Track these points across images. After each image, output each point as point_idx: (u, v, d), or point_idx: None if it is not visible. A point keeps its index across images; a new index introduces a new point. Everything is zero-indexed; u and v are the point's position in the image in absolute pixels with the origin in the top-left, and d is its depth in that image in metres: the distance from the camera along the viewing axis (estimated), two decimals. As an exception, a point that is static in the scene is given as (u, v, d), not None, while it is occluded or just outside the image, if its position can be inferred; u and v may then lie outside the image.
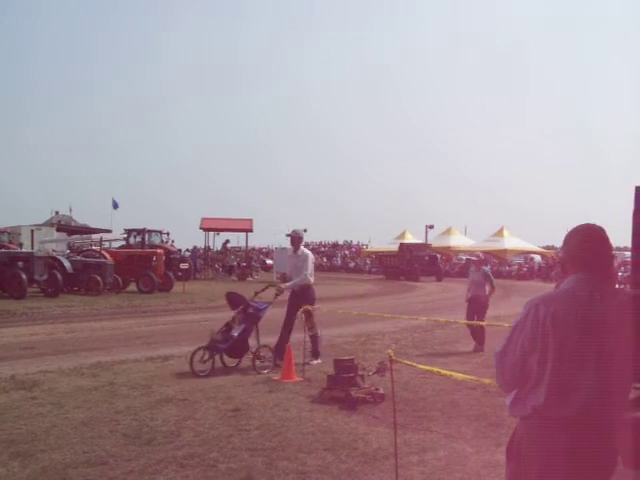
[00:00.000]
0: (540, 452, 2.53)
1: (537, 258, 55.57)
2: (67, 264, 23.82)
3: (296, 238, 10.82)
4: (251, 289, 11.26)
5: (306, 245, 61.51)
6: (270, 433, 6.37)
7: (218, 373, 9.26)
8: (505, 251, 54.58)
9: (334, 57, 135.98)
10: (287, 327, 10.46)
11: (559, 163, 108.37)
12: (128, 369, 9.69)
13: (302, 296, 10.44)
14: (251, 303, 9.91)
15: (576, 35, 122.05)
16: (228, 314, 10.08)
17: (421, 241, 51.88)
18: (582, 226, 2.78)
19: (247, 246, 50.58)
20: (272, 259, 48.20)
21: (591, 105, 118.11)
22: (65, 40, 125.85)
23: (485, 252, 56.49)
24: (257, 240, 71.66)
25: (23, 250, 26.60)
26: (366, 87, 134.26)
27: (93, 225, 47.03)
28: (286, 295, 10.78)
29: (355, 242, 76.71)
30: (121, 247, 32.66)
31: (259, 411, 7.25)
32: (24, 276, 21.14)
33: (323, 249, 72.27)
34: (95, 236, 39.42)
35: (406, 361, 5.97)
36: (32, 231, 33.66)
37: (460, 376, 5.98)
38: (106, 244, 33.68)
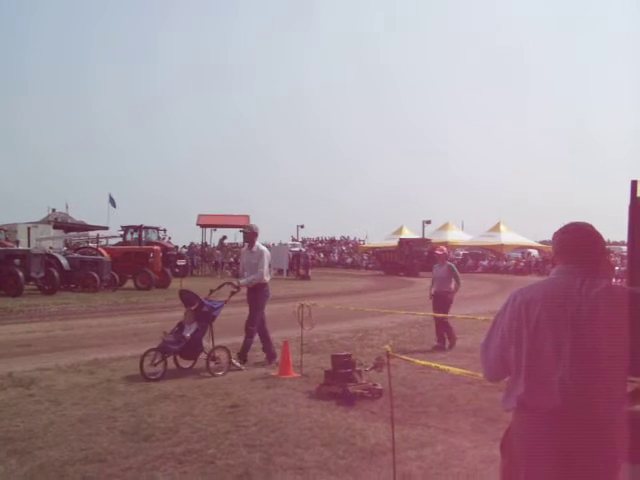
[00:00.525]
0: (527, 445, 2.53)
1: (534, 253, 55.72)
2: (64, 261, 23.79)
3: (250, 234, 10.37)
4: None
5: (303, 241, 61.52)
6: (268, 429, 6.37)
7: (171, 376, 8.80)
8: (502, 246, 54.72)
9: (332, 55, 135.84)
10: (258, 324, 10.11)
11: (556, 158, 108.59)
12: (125, 366, 9.68)
13: (256, 294, 10.07)
14: (205, 302, 9.45)
15: (576, 35, 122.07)
16: (228, 310, 10.07)
17: (418, 236, 51.79)
18: (567, 224, 2.81)
19: (244, 242, 50.53)
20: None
21: (588, 100, 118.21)
22: (61, 39, 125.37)
23: (482, 247, 56.87)
24: (254, 236, 71.58)
25: (20, 247, 26.54)
26: (363, 84, 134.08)
27: (90, 222, 46.93)
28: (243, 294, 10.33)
29: (352, 238, 76.79)
30: (118, 244, 32.63)
31: (257, 407, 7.25)
32: (21, 274, 21.12)
33: (320, 245, 72.29)
34: (92, 233, 39.27)
35: (403, 356, 5.97)
36: (29, 228, 33.58)
37: (457, 371, 5.98)
38: (103, 241, 33.60)
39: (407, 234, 56.35)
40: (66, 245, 36.96)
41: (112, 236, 35.52)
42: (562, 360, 2.49)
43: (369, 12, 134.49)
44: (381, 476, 5.10)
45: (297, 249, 50.26)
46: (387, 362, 5.22)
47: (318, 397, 7.74)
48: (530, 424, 2.53)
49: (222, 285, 10.28)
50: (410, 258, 43.52)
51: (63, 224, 46.04)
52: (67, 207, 56.52)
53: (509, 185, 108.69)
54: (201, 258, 44.55)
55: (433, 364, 6.14)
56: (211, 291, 10.10)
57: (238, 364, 9.55)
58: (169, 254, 31.23)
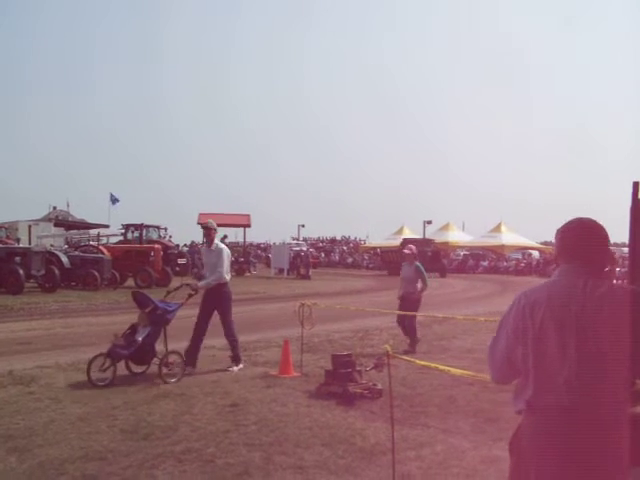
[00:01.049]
0: (536, 446, 2.53)
1: (535, 254, 55.68)
2: (65, 259, 23.80)
3: (210, 230, 9.74)
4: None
5: (304, 240, 61.46)
6: (267, 428, 6.37)
7: (122, 382, 8.30)
8: (503, 247, 54.71)
9: (332, 55, 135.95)
10: (198, 331, 9.47)
11: (557, 159, 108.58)
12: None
13: (216, 296, 9.56)
14: (159, 304, 8.93)
15: (576, 35, 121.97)
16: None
17: (419, 236, 51.70)
18: (570, 220, 2.76)
19: (245, 241, 50.60)
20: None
21: (588, 101, 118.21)
22: (65, 37, 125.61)
23: (483, 247, 56.86)
24: (255, 235, 71.72)
25: (20, 245, 26.57)
26: (364, 84, 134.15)
27: (91, 220, 47.01)
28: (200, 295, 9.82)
29: (353, 238, 76.80)
30: (119, 242, 32.61)
31: (256, 406, 7.25)
32: (21, 271, 21.13)
33: (321, 244, 72.29)
34: (93, 231, 39.36)
35: (404, 357, 5.98)
36: (29, 226, 33.63)
37: (457, 372, 5.99)
38: (104, 239, 33.60)
39: (408, 234, 56.28)
40: (67, 243, 36.95)
41: (113, 234, 35.51)
42: (568, 361, 2.48)
43: (369, 12, 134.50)
44: (381, 476, 5.10)
45: (301, 248, 50.23)
46: (387, 362, 5.22)
47: (318, 397, 7.74)
48: (539, 425, 2.53)
49: (180, 286, 9.77)
50: None
51: (64, 222, 46.14)
52: (68, 205, 56.69)
53: (510, 186, 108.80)
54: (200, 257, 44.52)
55: (433, 364, 6.15)
56: (168, 292, 9.66)
57: (236, 368, 9.36)
58: (170, 253, 31.24)
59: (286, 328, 12.91)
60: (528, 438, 2.57)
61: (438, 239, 54.38)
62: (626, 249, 37.00)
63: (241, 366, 9.48)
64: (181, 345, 9.58)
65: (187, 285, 9.88)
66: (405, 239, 47.98)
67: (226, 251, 9.72)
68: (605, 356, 2.46)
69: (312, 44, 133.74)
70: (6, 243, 27.10)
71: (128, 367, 8.74)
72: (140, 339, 8.53)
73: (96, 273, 23.69)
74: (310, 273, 38.49)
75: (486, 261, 54.93)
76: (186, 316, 9.96)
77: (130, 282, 26.54)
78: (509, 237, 56.22)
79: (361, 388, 7.72)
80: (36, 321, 15.17)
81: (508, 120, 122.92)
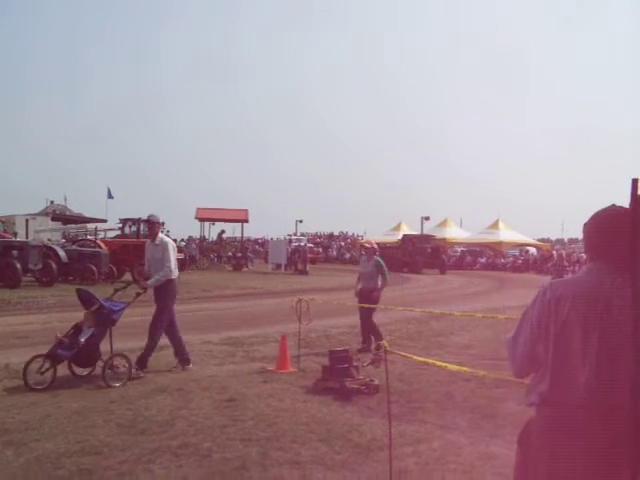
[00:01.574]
0: (549, 442, 2.50)
1: (532, 250, 55.74)
2: (62, 253, 23.75)
3: (153, 224, 9.17)
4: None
5: (302, 235, 61.44)
6: (264, 423, 6.37)
7: (63, 385, 7.81)
8: (500, 243, 54.74)
9: (333, 52, 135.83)
10: (166, 332, 9.08)
11: (555, 156, 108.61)
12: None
13: (160, 291, 8.96)
14: (104, 303, 8.35)
15: (576, 35, 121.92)
16: (225, 304, 9.96)
17: (417, 232, 51.70)
18: (599, 212, 2.64)
19: (242, 236, 50.58)
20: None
21: (587, 99, 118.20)
22: (64, 34, 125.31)
23: (481, 244, 56.89)
24: (253, 231, 71.73)
25: (18, 239, 26.50)
26: (364, 80, 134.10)
27: (88, 215, 46.91)
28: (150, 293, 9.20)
29: (351, 233, 76.82)
30: (116, 237, 32.59)
31: (253, 401, 7.25)
32: (18, 265, 21.07)
33: (319, 240, 72.27)
34: (90, 226, 39.29)
35: (401, 352, 5.96)
36: (27, 220, 33.56)
37: (455, 367, 5.98)
38: (101, 234, 33.57)
39: (406, 230, 56.34)
40: (64, 237, 36.86)
41: (110, 229, 35.48)
42: (588, 360, 2.45)
43: (370, 11, 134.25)
44: (377, 471, 5.10)
45: (301, 243, 50.21)
46: (384, 358, 5.21)
47: (315, 392, 7.74)
48: (553, 420, 2.50)
49: (128, 285, 9.33)
50: (413, 255, 42.87)
51: (61, 216, 46.00)
52: (66, 199, 56.58)
53: (508, 182, 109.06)
54: (199, 252, 44.52)
55: (430, 360, 6.14)
56: (115, 291, 8.97)
57: (134, 371, 8.41)
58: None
59: (283, 323, 12.92)
60: (540, 433, 2.54)
61: (436, 235, 54.40)
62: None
63: (141, 374, 8.50)
64: (130, 346, 9.39)
65: (136, 283, 9.37)
66: (405, 235, 47.95)
67: (171, 245, 9.08)
68: (627, 357, 2.42)
69: (312, 41, 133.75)
70: (3, 237, 27.00)
71: (71, 369, 8.22)
72: (83, 340, 7.98)
73: (93, 267, 23.63)
74: (308, 268, 38.48)
75: (484, 258, 54.97)
76: (133, 315, 9.65)
77: (127, 276, 26.47)
78: (507, 234, 56.24)
79: (358, 384, 7.72)
80: (33, 315, 15.15)
81: (507, 117, 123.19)
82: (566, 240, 71.09)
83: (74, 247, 26.26)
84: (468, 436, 6.05)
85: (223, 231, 51.11)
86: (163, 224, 35.57)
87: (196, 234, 51.17)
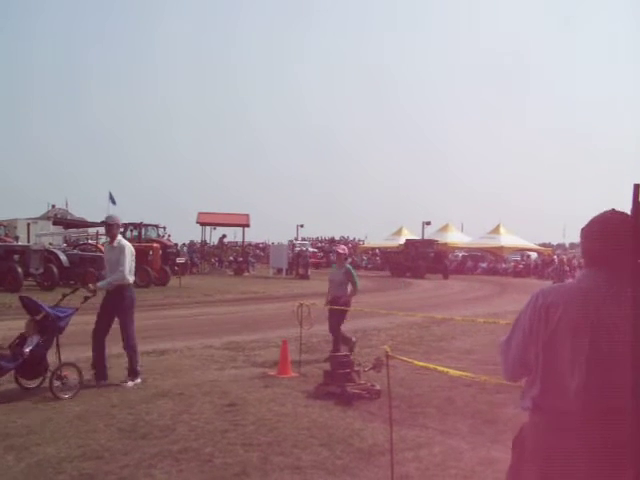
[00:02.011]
0: (541, 446, 2.52)
1: (533, 255, 55.71)
2: (63, 257, 23.79)
3: (113, 226, 8.62)
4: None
5: (303, 240, 61.54)
6: (265, 428, 6.37)
7: (9, 398, 7.49)
8: (501, 248, 54.67)
9: (333, 55, 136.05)
10: (98, 340, 8.56)
11: (557, 161, 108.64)
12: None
13: (117, 299, 8.47)
14: (49, 310, 7.90)
15: (576, 35, 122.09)
16: (227, 309, 9.92)
17: (418, 237, 51.60)
18: (597, 217, 2.63)
19: (244, 241, 50.60)
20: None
21: (588, 102, 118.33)
22: (65, 37, 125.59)
23: (482, 249, 56.86)
24: (254, 235, 71.73)
25: (19, 243, 26.55)
26: (364, 84, 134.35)
27: (90, 219, 46.90)
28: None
29: (352, 238, 76.80)
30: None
31: (255, 406, 7.25)
32: (20, 269, 21.11)
33: (320, 244, 72.27)
34: (91, 230, 39.34)
35: (402, 357, 5.96)
36: (28, 224, 33.58)
37: (456, 373, 5.97)
38: (102, 238, 33.56)
39: (407, 235, 56.24)
40: (65, 241, 36.90)
41: (112, 233, 35.42)
42: (578, 366, 2.45)
43: (369, 12, 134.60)
44: (378, 476, 5.10)
45: (304, 248, 50.16)
46: (386, 363, 5.21)
47: (316, 397, 7.73)
48: (544, 425, 2.51)
49: (76, 289, 8.84)
50: (416, 259, 42.59)
51: (63, 220, 46.02)
52: (67, 203, 56.71)
53: (509, 187, 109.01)
54: (200, 256, 44.54)
55: (432, 365, 6.13)
56: (64, 296, 8.57)
57: (132, 383, 8.24)
58: (168, 252, 31.26)
59: (284, 328, 12.92)
60: (533, 437, 2.56)
61: (438, 240, 54.26)
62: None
63: (138, 381, 8.34)
64: (79, 355, 9.16)
65: (85, 287, 8.71)
66: (408, 240, 47.74)
67: (129, 248, 8.54)
68: (618, 365, 2.42)
69: (312, 44, 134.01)
70: (5, 241, 27.07)
71: (18, 381, 7.82)
72: (27, 350, 7.57)
73: (95, 271, 23.65)
74: (309, 273, 38.49)
75: (485, 262, 54.94)
76: (83, 322, 9.44)
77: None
78: (508, 239, 56.16)
79: (359, 388, 7.71)
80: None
81: (508, 121, 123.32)
82: (567, 245, 71.01)
83: (75, 251, 26.31)
84: (469, 441, 6.05)
85: (224, 235, 51.24)
86: (165, 228, 35.69)
87: (197, 238, 51.24)
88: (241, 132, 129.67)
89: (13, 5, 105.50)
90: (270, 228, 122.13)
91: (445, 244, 55.70)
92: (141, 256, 26.90)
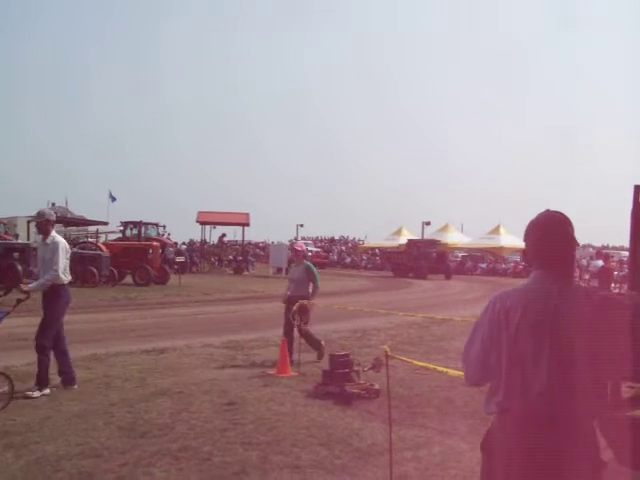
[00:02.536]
0: (506, 448, 2.53)
1: (533, 256, 55.51)
2: (63, 256, 23.75)
3: (44, 222, 7.90)
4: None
5: (302, 239, 61.58)
6: (265, 427, 6.36)
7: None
8: (501, 249, 54.66)
9: (333, 54, 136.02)
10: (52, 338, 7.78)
11: (557, 160, 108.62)
12: (123, 361, 9.68)
13: (51, 298, 7.75)
14: None
15: (575, 35, 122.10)
16: (226, 308, 9.91)
17: (417, 237, 51.55)
18: (542, 219, 2.68)
19: (243, 240, 50.60)
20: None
21: (590, 104, 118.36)
22: (64, 36, 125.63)
23: (481, 249, 56.86)
24: (254, 234, 71.75)
25: (19, 241, 26.54)
26: (365, 84, 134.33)
27: (89, 217, 46.89)
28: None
29: (351, 238, 76.80)
30: (117, 239, 32.62)
31: (254, 405, 7.25)
32: (19, 267, 21.10)
33: (320, 244, 72.29)
34: (91, 228, 39.34)
35: (402, 357, 5.97)
36: (28, 222, 33.44)
37: (456, 373, 5.96)
38: (102, 236, 33.60)
39: (406, 235, 56.20)
40: (65, 239, 36.89)
41: (111, 231, 35.53)
42: (540, 366, 2.48)
43: (369, 12, 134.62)
44: (377, 476, 5.10)
45: (309, 248, 50.06)
46: (385, 362, 5.21)
47: (315, 396, 7.73)
48: (509, 428, 2.53)
49: (10, 291, 8.19)
50: (418, 259, 42.24)
51: (62, 218, 45.89)
52: (67, 202, 56.53)
53: (509, 187, 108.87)
54: (200, 255, 44.54)
55: (431, 365, 6.14)
56: None
57: (38, 394, 7.42)
58: (168, 250, 31.25)
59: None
60: (498, 440, 2.57)
61: (441, 240, 54.04)
62: (624, 252, 37.04)
63: (47, 391, 7.53)
64: (13, 362, 8.87)
65: (17, 288, 7.98)
66: (410, 240, 47.55)
67: (63, 245, 7.83)
68: (579, 363, 2.44)
69: (312, 43, 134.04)
70: (4, 239, 27.06)
71: None
72: None
73: (94, 270, 23.69)
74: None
75: (484, 263, 54.92)
76: (17, 325, 8.98)
77: (128, 279, 26.54)
78: (507, 239, 56.08)
79: (359, 388, 7.71)
80: (34, 317, 15.09)
81: (508, 121, 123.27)
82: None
83: (75, 249, 26.25)
84: (468, 441, 6.04)
85: (224, 234, 51.18)
86: (165, 226, 35.67)
87: (197, 237, 51.23)
88: (241, 132, 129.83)
89: (13, 5, 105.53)
90: (270, 227, 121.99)
91: (445, 244, 55.67)
92: (141, 254, 27.00)
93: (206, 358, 10.17)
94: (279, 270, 40.75)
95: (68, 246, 8.16)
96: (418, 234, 53.79)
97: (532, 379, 2.48)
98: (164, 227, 35.69)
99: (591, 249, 52.74)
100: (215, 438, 5.97)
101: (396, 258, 46.57)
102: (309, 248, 53.10)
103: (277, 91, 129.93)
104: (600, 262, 18.08)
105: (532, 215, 2.72)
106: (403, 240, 52.73)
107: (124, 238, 32.39)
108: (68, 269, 7.93)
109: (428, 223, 53.82)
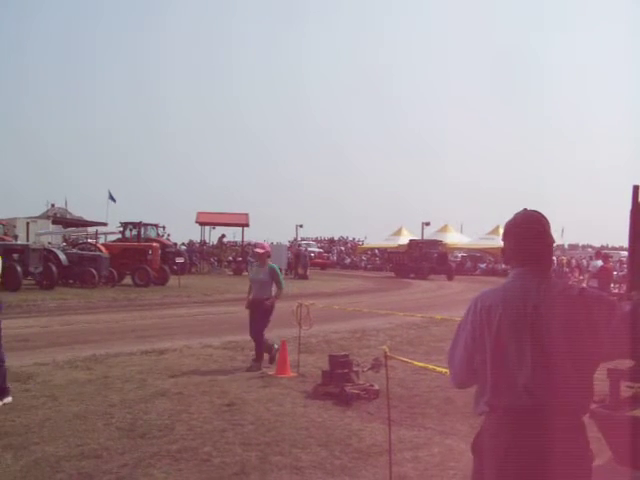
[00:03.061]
0: (497, 446, 2.54)
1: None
2: (62, 257, 23.76)
3: None
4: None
5: (302, 240, 61.49)
6: (264, 428, 6.37)
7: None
8: (501, 249, 54.55)
9: (332, 55, 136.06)
10: None
11: (556, 161, 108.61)
12: (122, 362, 9.68)
13: None
14: None
15: (576, 35, 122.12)
16: (226, 308, 9.90)
17: (417, 237, 51.47)
18: (520, 218, 2.72)
19: (243, 241, 50.59)
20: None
21: (589, 104, 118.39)
22: (63, 37, 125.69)
23: (481, 250, 56.80)
24: (253, 235, 71.74)
25: (18, 242, 26.53)
26: (364, 85, 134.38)
27: (89, 218, 46.94)
28: None
29: (351, 238, 76.75)
30: (117, 240, 32.61)
31: (253, 406, 7.25)
32: (19, 268, 21.08)
33: (319, 244, 72.28)
34: (91, 229, 39.34)
35: (401, 357, 5.97)
36: (28, 223, 33.64)
37: (455, 373, 5.97)
38: (102, 237, 33.59)
39: (406, 235, 56.15)
40: (65, 240, 36.90)
41: (111, 232, 35.52)
42: (524, 364, 2.50)
43: (369, 12, 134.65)
44: (377, 477, 5.10)
45: (311, 248, 49.93)
46: (385, 363, 5.22)
47: (315, 397, 7.73)
48: (499, 425, 2.54)
49: None
50: (419, 260, 42.06)
51: (62, 219, 46.11)
52: (66, 202, 56.75)
53: (508, 188, 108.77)
54: (200, 256, 44.52)
55: (430, 366, 6.15)
56: None
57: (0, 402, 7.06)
58: (168, 251, 31.28)
59: (283, 328, 12.89)
60: (489, 438, 2.58)
61: (443, 240, 53.86)
62: (622, 252, 37.06)
63: (9, 399, 7.10)
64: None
65: None
66: (412, 240, 47.39)
67: None
68: (560, 358, 2.46)
69: (312, 44, 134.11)
70: (4, 240, 27.03)
71: None
72: None
73: (94, 271, 23.65)
74: (308, 273, 38.46)
75: (484, 263, 54.89)
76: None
77: (128, 280, 26.52)
78: (507, 239, 56.02)
79: (358, 389, 7.71)
80: (33, 318, 15.15)
81: (507, 121, 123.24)
82: (566, 246, 70.91)
83: (75, 250, 26.31)
84: (468, 442, 5.98)
85: (223, 235, 51.11)
86: (164, 227, 35.67)
87: (197, 238, 51.20)
88: (241, 132, 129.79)
89: (13, 5, 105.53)
90: (270, 228, 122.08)
91: (444, 245, 55.61)
92: (140, 255, 26.99)
93: (206, 359, 10.17)
94: (279, 271, 40.70)
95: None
96: (418, 234, 53.70)
97: (517, 375, 2.50)
98: (164, 228, 35.74)
99: (590, 249, 52.73)
100: (214, 439, 5.97)
101: (398, 259, 46.41)
102: (312, 249, 53.14)
103: (276, 92, 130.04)
104: (599, 262, 18.04)
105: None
106: (403, 241, 52.66)
107: (123, 239, 32.39)
108: None
109: (427, 223, 53.73)
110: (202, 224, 45.27)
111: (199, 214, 44.23)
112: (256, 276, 10.06)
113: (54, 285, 22.40)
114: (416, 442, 6.00)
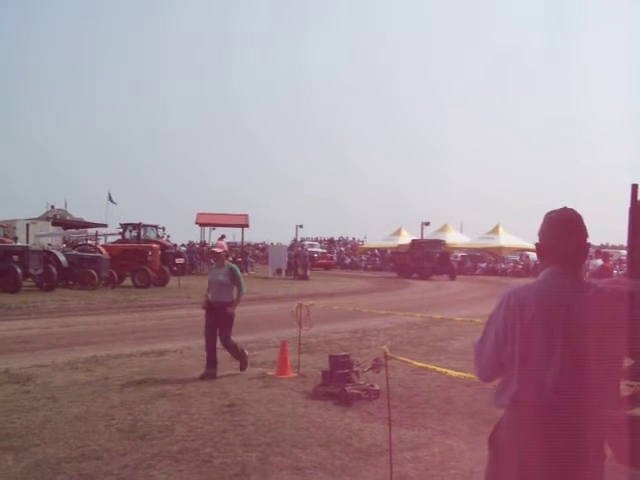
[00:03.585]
0: (520, 441, 2.53)
1: (532, 255, 55.58)
2: (62, 258, 23.76)
3: None
4: None
5: (302, 240, 61.52)
6: (264, 428, 6.37)
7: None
8: (501, 248, 54.61)
9: (332, 55, 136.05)
10: None
11: (556, 161, 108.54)
12: (123, 364, 9.68)
13: None
14: None
15: (575, 35, 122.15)
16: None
17: (417, 237, 51.42)
18: (559, 216, 2.72)
19: (243, 241, 50.60)
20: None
21: (588, 103, 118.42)
22: (65, 35, 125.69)
23: (481, 249, 56.83)
24: (253, 236, 71.70)
25: (18, 244, 26.53)
26: (364, 85, 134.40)
27: (88, 219, 46.98)
28: None
29: (351, 238, 76.74)
30: (117, 242, 32.60)
31: (254, 406, 7.25)
32: (19, 270, 21.09)
33: (319, 245, 72.26)
34: (90, 230, 39.34)
35: (401, 357, 5.97)
36: (27, 225, 33.58)
37: (455, 373, 5.98)
38: (101, 239, 33.58)
39: (406, 235, 56.15)
40: (64, 242, 36.92)
41: (111, 234, 35.54)
42: (552, 363, 2.50)
43: (368, 12, 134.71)
44: (377, 477, 5.11)
45: (315, 249, 49.84)
46: (385, 363, 5.22)
47: (315, 397, 7.73)
48: (523, 420, 2.54)
49: None
50: (421, 260, 41.75)
51: (62, 221, 46.13)
52: (66, 204, 56.77)
53: (508, 187, 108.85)
54: (200, 257, 44.52)
55: (431, 366, 6.15)
56: None
57: None
58: (167, 252, 31.26)
59: (284, 329, 12.91)
60: (511, 433, 2.58)
61: (445, 240, 53.77)
62: (622, 251, 37.05)
63: None
64: None
65: None
66: (414, 240, 47.24)
67: None
68: (591, 358, 2.47)
69: (312, 44, 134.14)
70: (4, 242, 27.02)
71: None
72: None
73: (94, 272, 23.64)
74: (308, 273, 38.45)
75: (484, 263, 54.90)
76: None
77: (128, 281, 26.52)
78: (507, 239, 56.08)
79: (358, 389, 7.72)
80: (33, 320, 15.15)
81: (506, 121, 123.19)
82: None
83: (74, 252, 26.30)
84: (468, 441, 6.05)
85: (223, 236, 51.02)
86: (164, 228, 35.67)
87: (196, 239, 51.21)
88: (240, 133, 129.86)
89: (12, 5, 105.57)
90: (269, 228, 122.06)
91: (444, 244, 55.58)
92: (140, 256, 26.99)
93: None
94: (279, 271, 40.72)
95: None
96: (418, 234, 53.62)
97: (545, 373, 2.50)
98: (163, 229, 35.68)
99: (590, 248, 52.72)
100: (215, 440, 5.97)
101: (399, 259, 46.27)
102: (315, 249, 53.08)
103: (276, 92, 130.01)
104: (599, 261, 18.04)
105: (531, 215, 2.76)
106: (402, 241, 52.63)
107: (123, 240, 32.37)
108: None
109: (427, 223, 53.66)
110: (202, 225, 45.27)
111: (199, 215, 44.24)
112: (215, 277, 9.37)
113: (54, 286, 22.40)
114: (416, 442, 6.00)
